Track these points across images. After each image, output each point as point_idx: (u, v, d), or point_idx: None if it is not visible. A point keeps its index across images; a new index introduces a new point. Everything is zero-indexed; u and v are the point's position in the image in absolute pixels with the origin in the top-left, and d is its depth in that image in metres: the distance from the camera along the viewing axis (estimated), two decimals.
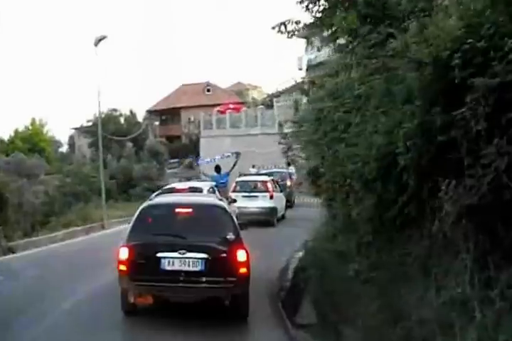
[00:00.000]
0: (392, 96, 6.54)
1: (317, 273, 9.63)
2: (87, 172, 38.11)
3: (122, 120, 58.82)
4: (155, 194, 12.79)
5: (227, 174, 20.96)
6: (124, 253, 9.02)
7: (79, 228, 23.34)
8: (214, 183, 19.27)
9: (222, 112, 56.16)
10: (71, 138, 69.31)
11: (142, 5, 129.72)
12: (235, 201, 18.78)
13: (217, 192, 16.95)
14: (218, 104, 60.16)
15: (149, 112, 68.62)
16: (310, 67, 60.50)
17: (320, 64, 56.04)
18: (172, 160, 62.98)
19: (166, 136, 67.58)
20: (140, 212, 9.59)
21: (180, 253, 8.80)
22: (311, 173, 8.70)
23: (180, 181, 54.92)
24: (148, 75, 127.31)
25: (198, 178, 52.16)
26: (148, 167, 43.15)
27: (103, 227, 24.68)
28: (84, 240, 21.39)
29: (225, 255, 8.96)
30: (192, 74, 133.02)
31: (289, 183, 29.46)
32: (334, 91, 8.78)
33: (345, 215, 7.82)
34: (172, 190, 15.36)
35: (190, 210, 9.40)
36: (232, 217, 9.59)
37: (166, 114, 69.88)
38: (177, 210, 9.39)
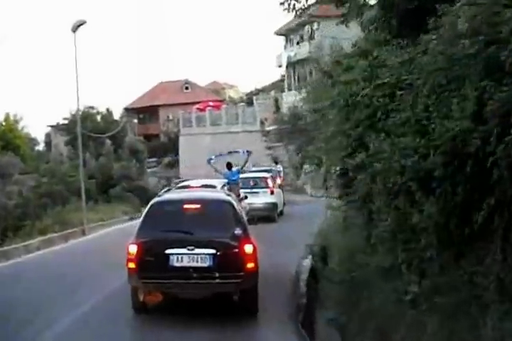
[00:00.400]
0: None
1: (346, 291, 8.00)
2: (65, 171, 35.95)
3: (99, 118, 56.81)
4: (163, 190, 12.36)
5: (239, 171, 20.80)
6: (132, 251, 8.93)
7: (57, 234, 20.81)
8: (226, 181, 19.41)
9: (202, 110, 54.27)
10: (47, 135, 67.00)
11: (120, 3, 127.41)
12: (246, 198, 18.96)
13: (225, 188, 16.92)
14: (197, 102, 58.20)
15: (127, 110, 66.51)
16: (290, 64, 58.81)
17: (302, 60, 54.38)
18: (150, 159, 61.29)
19: (144, 135, 65.85)
20: (149, 209, 9.52)
21: (188, 249, 8.70)
22: (353, 170, 6.98)
23: (159, 181, 53.18)
24: (125, 72, 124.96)
25: (177, 178, 50.68)
26: (128, 166, 40.92)
27: (84, 233, 22.37)
28: (64, 248, 19.11)
29: (232, 250, 8.87)
30: (168, 72, 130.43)
31: (278, 181, 28.39)
32: (374, 70, 7.11)
33: (394, 221, 6.16)
34: (186, 187, 15.42)
35: (198, 206, 9.29)
36: (239, 212, 9.52)
37: (144, 112, 67.91)
38: (185, 206, 9.30)
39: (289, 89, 60.59)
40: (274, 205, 23.14)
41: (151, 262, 8.91)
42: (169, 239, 8.94)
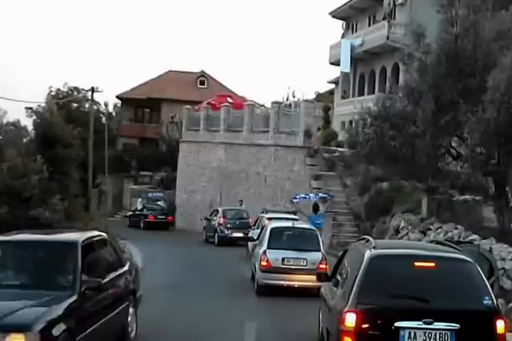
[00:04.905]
0: None
1: None
2: None
3: (87, 105, 37.10)
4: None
5: (323, 215, 18.69)
6: (350, 321, 6.55)
7: None
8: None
9: (216, 107, 33.71)
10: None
11: None
12: None
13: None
14: None
15: (120, 99, 46.25)
16: (361, 56, 37.80)
17: (371, 53, 33.41)
18: (143, 173, 41.23)
19: (140, 138, 45.93)
20: (368, 265, 6.95)
21: (424, 322, 6.48)
22: None
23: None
24: (129, 56, 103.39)
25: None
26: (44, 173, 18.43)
27: None
28: None
29: (481, 326, 6.63)
30: (179, 64, 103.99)
31: None
32: None
33: None
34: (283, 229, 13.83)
35: (433, 264, 7.00)
36: (484, 277, 7.07)
37: (142, 106, 47.57)
38: (416, 264, 6.95)
39: (344, 97, 39.59)
40: None
41: (374, 338, 6.51)
42: (399, 308, 6.64)
